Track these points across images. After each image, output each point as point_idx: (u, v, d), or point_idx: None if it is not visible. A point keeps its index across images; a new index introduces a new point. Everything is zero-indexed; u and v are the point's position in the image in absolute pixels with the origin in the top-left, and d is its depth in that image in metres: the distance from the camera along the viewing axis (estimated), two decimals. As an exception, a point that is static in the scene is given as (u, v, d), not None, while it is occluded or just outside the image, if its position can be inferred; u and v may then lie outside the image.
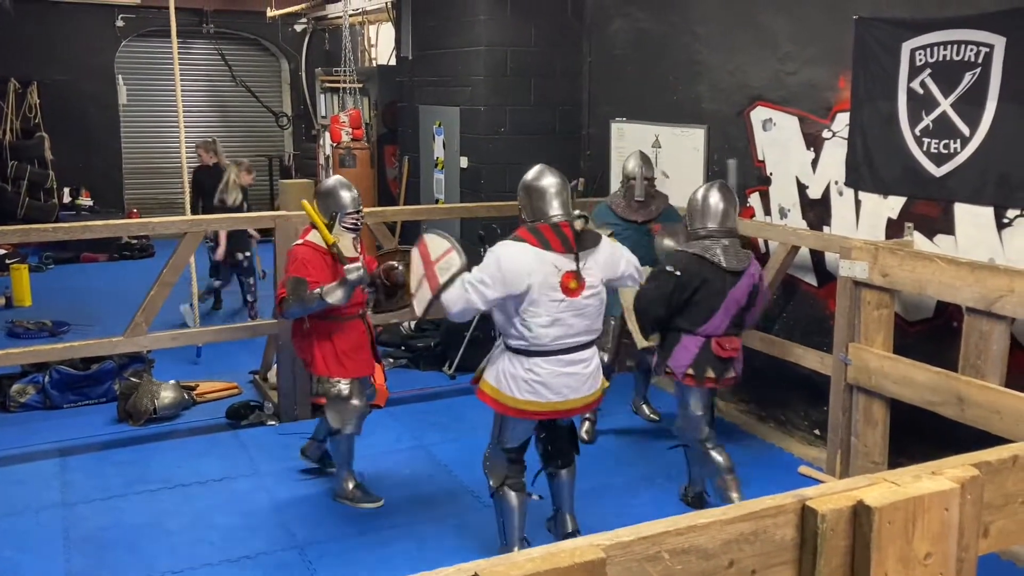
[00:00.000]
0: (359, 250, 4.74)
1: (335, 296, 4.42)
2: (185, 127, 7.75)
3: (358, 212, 4.69)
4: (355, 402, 4.70)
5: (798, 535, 1.65)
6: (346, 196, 4.66)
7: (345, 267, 4.45)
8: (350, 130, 8.77)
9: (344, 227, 4.65)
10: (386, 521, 4.63)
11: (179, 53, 7.41)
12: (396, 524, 4.60)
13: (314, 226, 4.61)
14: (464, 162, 7.66)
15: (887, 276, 4.51)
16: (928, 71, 4.64)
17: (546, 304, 3.70)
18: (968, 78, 4.44)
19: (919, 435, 4.59)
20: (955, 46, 4.49)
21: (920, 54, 4.67)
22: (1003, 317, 4.10)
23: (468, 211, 7.19)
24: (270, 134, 14.24)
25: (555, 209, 3.84)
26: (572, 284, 3.74)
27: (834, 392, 4.89)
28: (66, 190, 12.27)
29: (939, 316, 4.72)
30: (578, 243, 3.79)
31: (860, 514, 1.62)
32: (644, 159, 5.73)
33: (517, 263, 3.70)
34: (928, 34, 4.62)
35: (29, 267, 9.56)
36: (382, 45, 11.71)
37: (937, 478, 1.71)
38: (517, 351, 3.81)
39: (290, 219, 5.96)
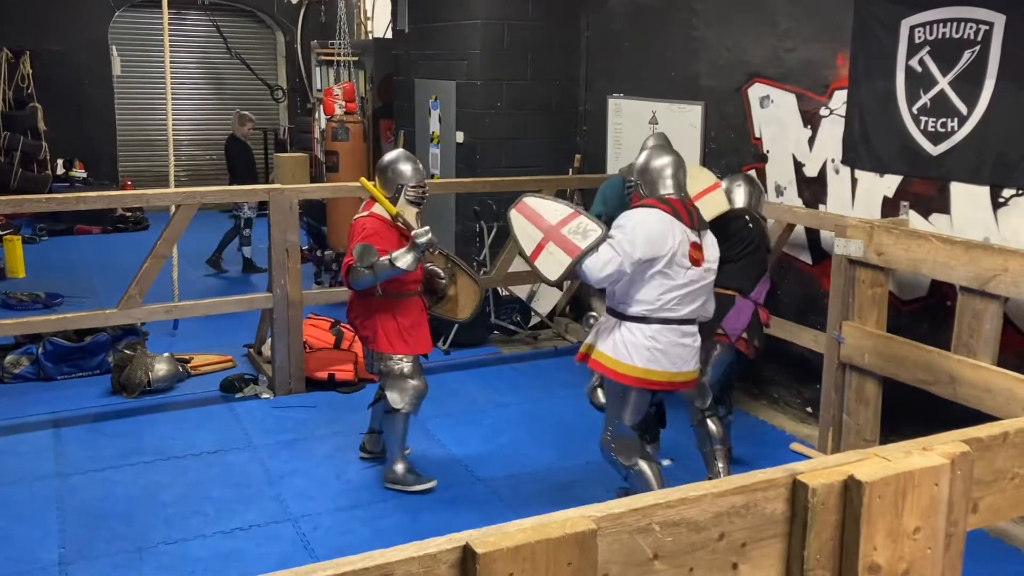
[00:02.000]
0: (420, 225, 4.64)
1: (405, 261, 4.33)
2: (179, 99, 7.71)
3: (422, 186, 4.59)
4: (415, 381, 4.62)
5: (789, 509, 1.66)
6: (408, 168, 4.57)
7: (413, 232, 4.39)
8: (343, 103, 8.71)
9: (408, 200, 4.54)
10: (379, 494, 4.65)
11: (173, 24, 7.36)
12: (389, 497, 4.62)
13: (374, 200, 4.52)
14: (460, 137, 7.62)
15: (882, 255, 4.51)
16: (927, 49, 4.62)
17: (677, 270, 3.78)
18: (967, 56, 4.42)
19: (911, 414, 4.62)
20: (955, 24, 4.47)
21: (919, 31, 4.65)
22: (996, 296, 4.12)
23: (464, 187, 7.16)
24: (265, 107, 14.13)
25: (676, 188, 3.92)
26: (697, 254, 3.84)
27: (827, 370, 4.90)
28: (59, 161, 12.17)
29: (933, 295, 4.73)
30: (699, 219, 3.92)
31: (851, 489, 1.63)
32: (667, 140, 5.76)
33: (660, 225, 3.76)
34: (928, 11, 4.59)
35: (22, 238, 9.52)
36: (378, 18, 11.60)
37: (928, 454, 1.72)
38: (637, 319, 3.84)
39: (284, 192, 5.94)
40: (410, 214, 4.53)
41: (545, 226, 3.82)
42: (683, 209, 3.85)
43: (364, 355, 4.76)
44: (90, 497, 4.57)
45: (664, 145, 4.06)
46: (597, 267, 3.70)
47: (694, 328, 3.95)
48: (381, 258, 4.31)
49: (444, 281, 4.79)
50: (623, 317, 3.88)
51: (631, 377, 3.88)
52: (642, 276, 3.77)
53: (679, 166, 3.96)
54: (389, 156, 4.67)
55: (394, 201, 4.50)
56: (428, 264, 4.73)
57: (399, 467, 4.68)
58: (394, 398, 4.59)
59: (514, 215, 3.95)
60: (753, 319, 4.53)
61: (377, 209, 4.52)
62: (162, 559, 4.03)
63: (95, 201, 6.63)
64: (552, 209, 3.86)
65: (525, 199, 3.98)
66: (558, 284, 4.02)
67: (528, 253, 3.89)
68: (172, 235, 5.76)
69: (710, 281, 3.94)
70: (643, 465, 4.04)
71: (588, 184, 7.13)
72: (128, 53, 12.95)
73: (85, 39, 12.39)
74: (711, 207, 4.65)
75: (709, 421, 4.58)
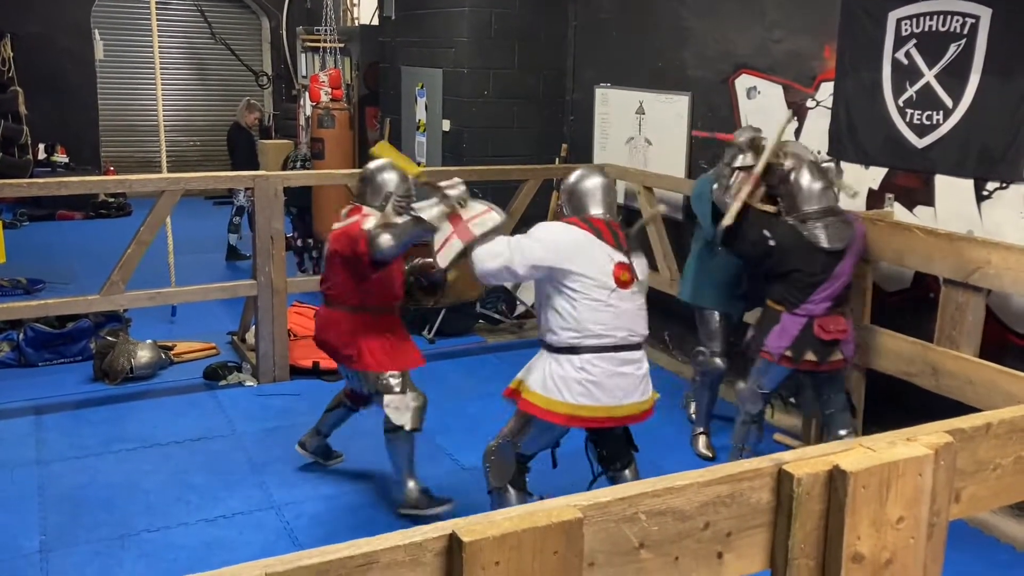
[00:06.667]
0: None
1: (431, 214, 3.84)
2: (163, 84, 7.64)
3: (410, 196, 4.25)
4: (413, 394, 4.29)
5: (774, 498, 1.66)
6: (393, 177, 4.28)
7: (442, 184, 3.92)
8: (329, 90, 8.66)
9: (396, 211, 4.19)
10: (364, 483, 4.65)
11: (157, 9, 7.27)
12: (374, 486, 4.62)
13: (360, 206, 4.21)
14: (447, 125, 7.59)
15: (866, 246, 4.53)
16: (913, 41, 4.63)
17: (597, 290, 3.50)
18: (953, 49, 4.44)
19: (893, 405, 4.65)
20: (941, 17, 4.49)
21: (906, 24, 4.66)
22: (979, 289, 4.15)
23: (450, 175, 7.12)
24: (249, 93, 14.01)
25: (603, 209, 3.74)
26: (624, 276, 3.56)
27: (811, 361, 4.92)
28: (41, 146, 12.05)
29: (917, 287, 4.76)
30: (627, 238, 3.69)
31: (835, 478, 1.64)
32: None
33: (571, 236, 3.54)
34: (914, 4, 4.60)
35: (3, 223, 9.40)
36: (364, 4, 11.53)
37: (912, 444, 1.73)
38: (565, 349, 3.54)
39: (269, 179, 5.90)
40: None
41: (456, 221, 3.71)
42: (606, 229, 3.61)
43: (351, 378, 4.42)
44: (72, 484, 4.54)
45: (596, 169, 3.93)
46: (483, 256, 3.51)
47: (635, 355, 3.61)
48: (402, 220, 4.01)
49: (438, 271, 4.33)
50: (551, 349, 3.57)
51: (562, 415, 3.54)
52: (560, 295, 3.50)
53: (609, 190, 3.80)
54: (375, 164, 4.39)
55: (381, 209, 4.20)
56: (417, 260, 4.46)
57: (412, 491, 4.32)
58: (395, 415, 4.25)
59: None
60: (803, 334, 4.22)
61: (368, 224, 4.12)
62: (144, 547, 4.01)
63: (77, 186, 6.57)
64: (470, 208, 3.75)
65: None
66: (445, 269, 3.77)
67: (435, 244, 3.74)
68: (155, 221, 5.71)
69: (641, 304, 3.68)
70: (511, 495, 3.75)
71: (574, 174, 7.11)
72: (111, 37, 12.81)
73: (67, 22, 12.25)
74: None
75: (754, 426, 4.49)
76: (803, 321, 4.23)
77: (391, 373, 4.25)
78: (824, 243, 4.23)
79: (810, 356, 4.25)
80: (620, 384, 3.56)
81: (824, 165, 4.54)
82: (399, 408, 4.25)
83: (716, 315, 5.01)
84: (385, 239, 3.96)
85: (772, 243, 4.28)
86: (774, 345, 4.30)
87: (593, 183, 3.78)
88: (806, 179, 4.35)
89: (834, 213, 4.33)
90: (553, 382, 3.53)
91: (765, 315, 4.42)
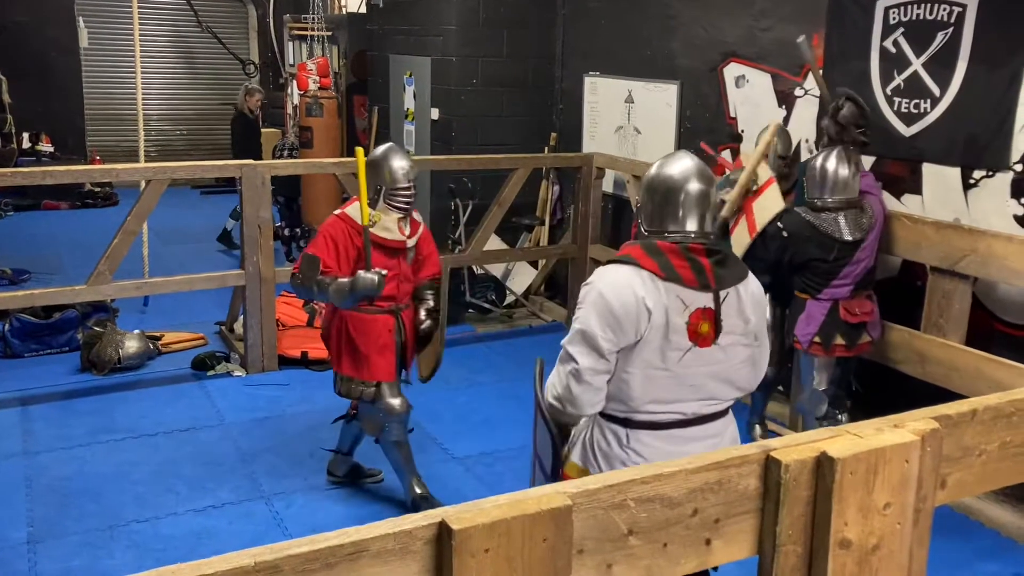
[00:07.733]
0: (409, 231, 4.04)
1: (339, 299, 3.87)
2: (148, 73, 7.59)
3: (408, 189, 3.96)
4: (386, 403, 4.06)
5: (761, 485, 1.67)
6: (394, 167, 3.95)
7: (359, 273, 3.82)
8: (317, 78, 8.62)
9: (390, 205, 3.96)
10: (353, 472, 4.64)
11: (142, -5, 7.21)
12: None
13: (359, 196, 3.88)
14: (435, 114, 7.56)
15: (854, 235, 4.54)
16: (901, 30, 4.64)
17: (660, 353, 2.51)
18: (940, 38, 4.45)
19: (879, 392, 4.68)
20: (929, 5, 4.50)
21: (894, 12, 4.67)
22: (966, 276, 4.19)
23: (439, 164, 7.11)
24: (237, 82, 13.92)
25: (689, 223, 2.59)
26: (704, 327, 2.53)
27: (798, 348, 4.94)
28: (25, 135, 11.94)
29: (904, 275, 4.78)
30: (717, 275, 2.56)
31: (823, 465, 1.65)
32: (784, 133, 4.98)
33: (629, 295, 2.49)
34: (902, -8, 4.61)
35: (-12, 214, 9.36)
36: (352, -8, 11.46)
37: (899, 430, 1.74)
38: (613, 419, 2.63)
39: (256, 168, 5.87)
40: (391, 219, 3.96)
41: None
42: (682, 261, 2.53)
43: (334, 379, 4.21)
44: (59, 475, 4.52)
45: (684, 153, 2.71)
46: (550, 392, 2.63)
47: (712, 427, 2.65)
48: (324, 277, 3.86)
49: (427, 323, 4.20)
50: (600, 413, 2.66)
51: None
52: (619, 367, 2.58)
53: (706, 183, 2.60)
54: (378, 151, 4.09)
55: (373, 204, 3.93)
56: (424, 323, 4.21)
57: (414, 494, 4.21)
58: (368, 426, 4.19)
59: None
60: (829, 319, 4.24)
61: (352, 209, 3.95)
62: (133, 537, 4.00)
63: (63, 175, 6.51)
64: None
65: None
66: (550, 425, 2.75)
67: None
68: (142, 211, 5.68)
69: (736, 360, 2.61)
70: None
71: (563, 163, 7.12)
72: (95, 25, 12.69)
73: (51, 10, 12.12)
74: (765, 212, 4.32)
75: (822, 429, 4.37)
76: (828, 305, 4.26)
77: (360, 380, 4.08)
78: (841, 235, 4.20)
79: (839, 340, 4.27)
80: None
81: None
82: (371, 420, 4.18)
83: None
84: (302, 284, 3.90)
85: (785, 234, 4.27)
86: (802, 332, 4.32)
87: (683, 170, 2.61)
88: (832, 166, 4.25)
89: (855, 205, 4.27)
90: (593, 454, 2.69)
91: (793, 307, 4.41)
